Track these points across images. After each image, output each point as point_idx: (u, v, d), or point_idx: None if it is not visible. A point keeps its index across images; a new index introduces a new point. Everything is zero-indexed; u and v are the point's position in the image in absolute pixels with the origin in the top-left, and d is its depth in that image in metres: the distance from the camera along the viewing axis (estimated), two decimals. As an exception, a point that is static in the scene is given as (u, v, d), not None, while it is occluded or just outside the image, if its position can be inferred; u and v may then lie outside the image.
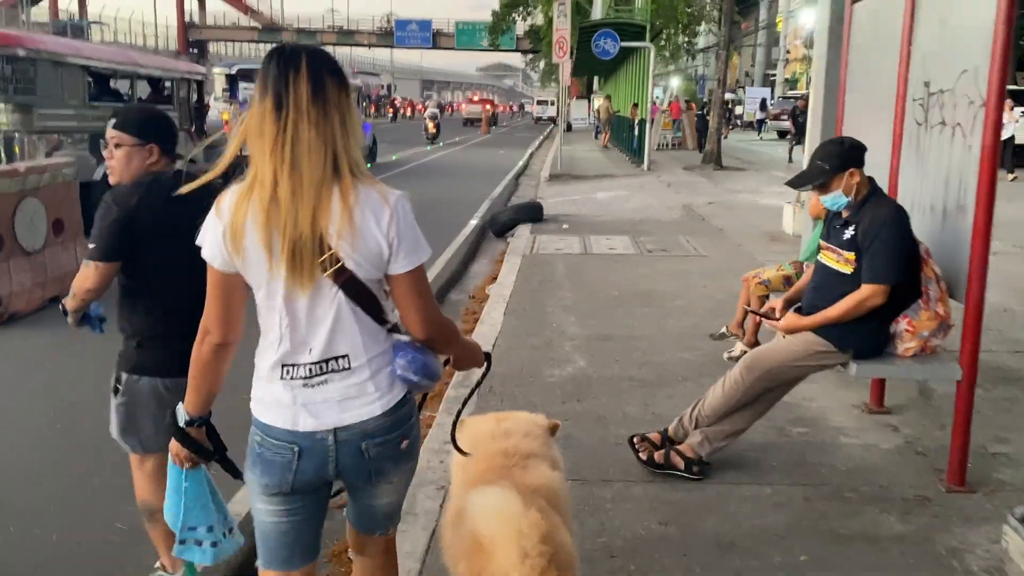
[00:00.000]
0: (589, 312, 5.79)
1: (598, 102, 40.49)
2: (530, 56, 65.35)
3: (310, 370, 1.63)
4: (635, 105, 20.31)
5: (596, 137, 33.49)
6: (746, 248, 8.30)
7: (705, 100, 43.84)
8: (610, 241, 8.81)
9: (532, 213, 10.45)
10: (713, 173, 17.31)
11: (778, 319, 3.13)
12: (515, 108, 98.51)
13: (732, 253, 8.03)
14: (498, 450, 2.03)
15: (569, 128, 41.87)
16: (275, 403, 1.65)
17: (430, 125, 29.85)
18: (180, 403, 1.78)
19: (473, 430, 2.16)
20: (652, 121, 19.76)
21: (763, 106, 39.72)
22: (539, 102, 60.17)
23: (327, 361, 1.63)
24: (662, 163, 19.89)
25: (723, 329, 4.83)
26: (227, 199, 1.58)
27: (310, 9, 71.18)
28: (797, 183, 3.13)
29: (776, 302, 3.25)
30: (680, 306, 5.95)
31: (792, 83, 44.21)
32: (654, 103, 22.08)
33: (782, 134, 33.85)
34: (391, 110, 54.14)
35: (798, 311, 3.18)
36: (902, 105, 3.60)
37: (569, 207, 12.30)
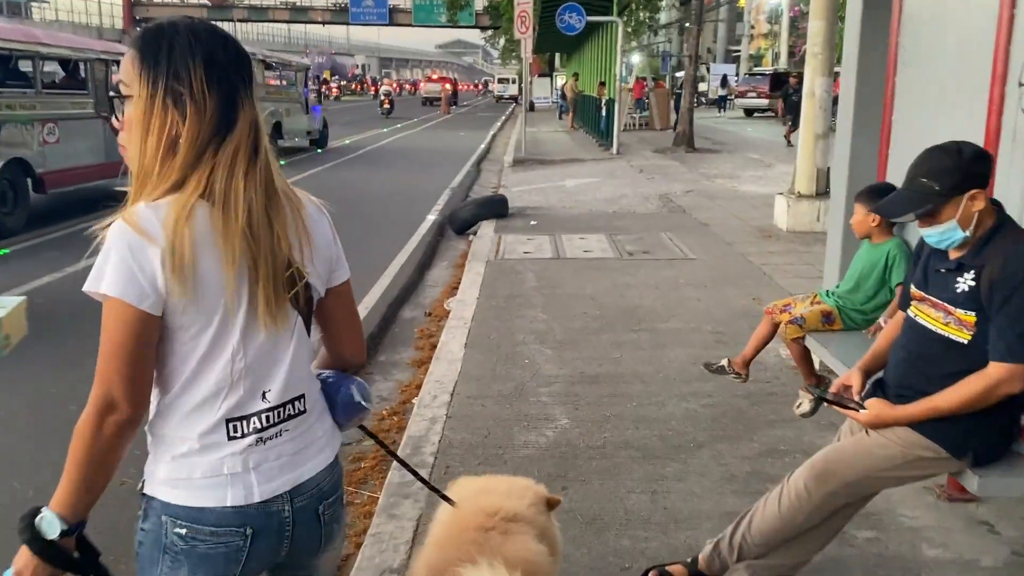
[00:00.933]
0: (567, 340, 4.80)
1: (561, 80, 39.44)
2: (490, 33, 63.82)
3: (266, 419, 1.34)
4: (602, 84, 19.28)
5: (560, 118, 32.44)
6: (737, 247, 7.37)
7: (672, 77, 43.05)
8: (585, 241, 7.82)
9: (496, 208, 9.42)
10: (686, 156, 16.41)
11: (857, 406, 2.16)
12: (480, 86, 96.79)
13: (723, 255, 7.09)
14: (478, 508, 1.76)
15: (532, 108, 40.77)
16: (213, 476, 1.30)
17: (385, 101, 35.55)
18: (42, 508, 1.27)
19: (461, 487, 1.91)
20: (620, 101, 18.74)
21: (724, 83, 39.01)
22: (500, 80, 58.87)
23: (285, 405, 1.35)
24: (631, 145, 18.93)
25: (723, 362, 3.82)
26: (151, 214, 1.21)
27: (259, -17, 68.66)
28: (893, 210, 2.14)
29: (850, 377, 2.27)
30: (674, 329, 4.99)
31: (757, 59, 43.54)
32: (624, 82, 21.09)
33: (748, 112, 33.22)
34: (374, 89, 51.41)
35: (878, 386, 2.23)
36: (1001, 89, 2.64)
37: (536, 197, 11.28)
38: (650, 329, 4.99)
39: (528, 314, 5.37)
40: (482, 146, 21.39)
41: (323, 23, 67.93)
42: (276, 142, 15.96)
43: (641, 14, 41.62)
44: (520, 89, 38.42)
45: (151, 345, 1.24)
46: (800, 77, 17.87)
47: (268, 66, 16.08)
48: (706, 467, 3.17)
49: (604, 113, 18.97)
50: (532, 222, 8.98)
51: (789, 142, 17.34)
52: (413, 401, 4.17)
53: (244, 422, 1.31)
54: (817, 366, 3.62)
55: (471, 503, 1.78)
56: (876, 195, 3.23)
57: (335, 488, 1.44)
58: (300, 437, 1.38)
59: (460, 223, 9.23)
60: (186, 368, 1.28)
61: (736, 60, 51.82)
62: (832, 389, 2.27)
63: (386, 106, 34.75)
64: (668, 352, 4.55)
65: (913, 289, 2.20)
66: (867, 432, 2.14)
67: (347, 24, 67.36)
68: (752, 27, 43.66)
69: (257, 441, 1.32)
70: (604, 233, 8.20)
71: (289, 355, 1.35)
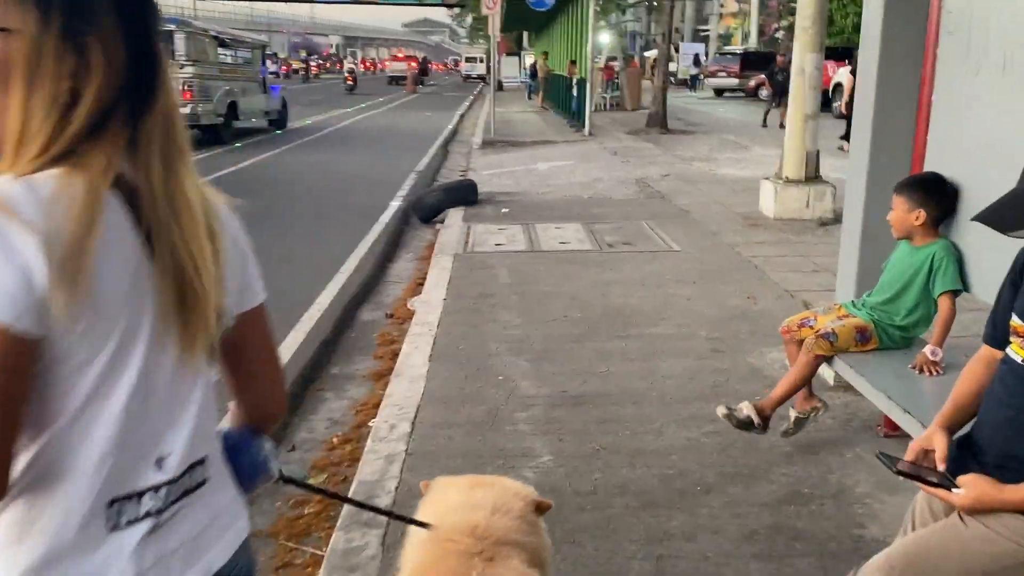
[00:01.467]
0: (547, 350, 4.24)
1: (530, 59, 38.72)
2: (457, 11, 62.70)
3: (165, 495, 0.94)
4: (573, 62, 18.66)
5: (530, 98, 31.78)
6: (724, 238, 6.85)
7: (641, 57, 42.56)
8: (561, 230, 7.25)
9: (464, 194, 8.81)
10: (660, 138, 15.88)
11: (947, 483, 1.61)
12: (451, 65, 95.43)
13: (709, 246, 6.57)
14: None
15: (500, 88, 40.00)
16: None
17: (348, 78, 38.32)
18: None
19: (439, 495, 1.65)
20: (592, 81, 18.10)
21: (696, 62, 38.58)
22: (468, 59, 57.83)
23: (186, 474, 0.96)
24: (603, 127, 18.36)
25: (745, 410, 3.02)
26: (24, 191, 0.82)
27: (220, -40, 66.68)
28: (1004, 222, 1.59)
29: (930, 438, 1.72)
30: (666, 335, 4.45)
31: (726, 39, 43.15)
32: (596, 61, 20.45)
33: (719, 92, 32.81)
34: (340, 66, 50.70)
35: (967, 449, 1.70)
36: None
37: (507, 181, 10.68)
38: (638, 335, 4.45)
39: (501, 318, 4.80)
40: (449, 127, 20.68)
41: (287, 0, 66.24)
42: (232, 123, 15.16)
43: (610, -8, 41.05)
44: (488, 68, 37.63)
45: (22, 386, 0.82)
46: (787, 55, 17.37)
47: (222, 43, 15.20)
48: (718, 519, 2.63)
49: (575, 93, 18.37)
50: (504, 209, 8.39)
51: (766, 123, 16.84)
52: (370, 424, 3.60)
53: (134, 502, 0.92)
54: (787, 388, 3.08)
55: (450, 522, 1.51)
56: (922, 188, 2.71)
57: (249, 563, 1.09)
58: (204, 511, 1.01)
59: (426, 211, 8.61)
60: (59, 419, 0.86)
61: (705, 40, 51.46)
62: (908, 456, 1.72)
63: (349, 82, 37.96)
64: (661, 364, 4.01)
65: (1015, 320, 1.66)
66: (962, 519, 1.60)
67: (312, 2, 65.72)
68: (722, 6, 43.17)
69: (153, 528, 0.93)
70: (581, 222, 7.64)
71: (195, 405, 0.98)
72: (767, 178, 7.77)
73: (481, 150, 15.25)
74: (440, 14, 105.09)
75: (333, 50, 70.73)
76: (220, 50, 15.23)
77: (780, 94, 16.13)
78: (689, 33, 61.57)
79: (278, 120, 17.97)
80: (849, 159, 3.51)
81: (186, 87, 13.37)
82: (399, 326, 5.26)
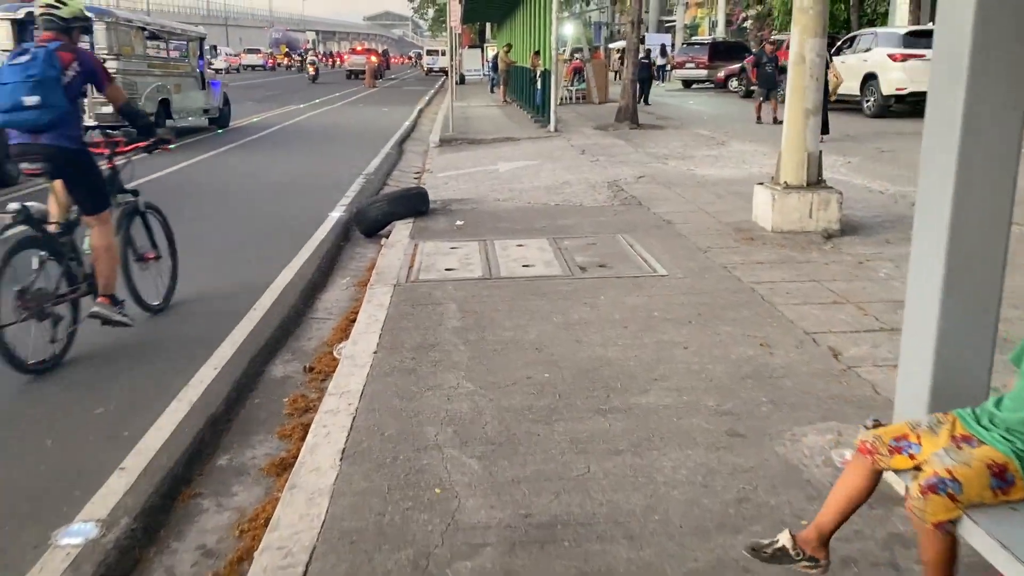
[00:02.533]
0: (503, 436, 3.13)
1: (492, 52, 37.54)
2: (418, 2, 61.18)
3: None
4: (536, 54, 17.53)
5: (492, 91, 30.59)
6: (717, 256, 5.79)
7: (606, 48, 41.66)
8: (524, 249, 6.14)
9: (414, 204, 7.66)
10: (630, 133, 14.83)
11: None
12: (412, 59, 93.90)
13: (701, 268, 5.50)
14: None
15: (462, 81, 38.74)
16: None
17: (310, 69, 41.63)
18: None
19: None
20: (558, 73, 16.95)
21: (663, 52, 37.65)
22: (429, 52, 56.38)
23: None
24: (569, 121, 17.27)
25: (782, 539, 2.10)
26: None
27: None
28: None
29: None
30: (661, 408, 3.36)
31: (693, 29, 42.30)
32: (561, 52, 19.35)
33: (687, 83, 31.89)
34: (312, 67, 49.65)
35: None
36: None
37: (464, 186, 9.54)
38: (625, 408, 3.36)
39: (446, 381, 3.67)
40: (407, 123, 19.45)
41: (239, -8, 63.97)
42: (164, 122, 13.79)
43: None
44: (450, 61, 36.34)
45: None
46: (776, 43, 16.23)
47: (152, 35, 13.79)
48: None
49: (539, 86, 17.25)
50: (458, 222, 7.26)
51: (760, 119, 15.78)
52: (255, 555, 2.47)
53: None
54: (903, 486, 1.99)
55: None
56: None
57: None
58: None
59: (369, 224, 7.45)
60: None
61: (670, 31, 50.64)
62: None
63: (312, 72, 41.27)
64: (660, 461, 2.92)
65: None
66: None
67: (265, -7, 63.55)
68: (687, -4, 42.23)
69: None
70: (547, 237, 6.54)
71: None
72: (761, 183, 6.73)
73: (439, 149, 14.08)
74: (401, 6, 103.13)
75: (310, 45, 71.53)
76: (150, 43, 13.84)
77: (770, 86, 15.13)
78: (654, 24, 60.77)
79: (219, 118, 16.60)
80: (922, 179, 2.40)
81: (107, 83, 12.00)
82: (319, 383, 4.13)
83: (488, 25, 47.01)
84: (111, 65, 12.07)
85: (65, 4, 4.23)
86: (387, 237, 7.04)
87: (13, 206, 4.05)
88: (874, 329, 4.25)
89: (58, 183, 4.32)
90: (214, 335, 4.65)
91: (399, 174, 11.81)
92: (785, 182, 6.37)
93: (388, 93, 33.97)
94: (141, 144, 4.93)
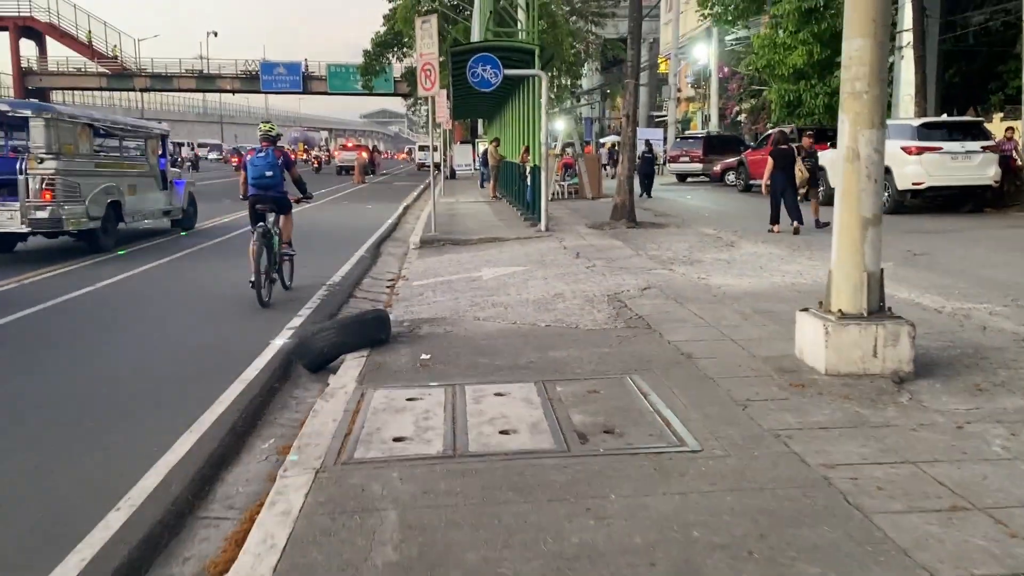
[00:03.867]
0: None
1: (483, 147, 37.08)
2: (411, 100, 61.65)
3: None
4: (526, 149, 16.50)
5: (482, 186, 29.75)
6: (763, 416, 4.29)
7: (597, 143, 41.39)
8: (504, 401, 4.65)
9: (370, 331, 6.21)
10: (628, 233, 13.59)
11: None
12: (408, 155, 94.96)
13: (745, 438, 3.99)
14: None
15: (453, 176, 38.15)
16: None
17: (314, 162, 49.45)
18: None
19: None
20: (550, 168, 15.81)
21: (649, 148, 37.11)
22: (421, 147, 56.39)
23: None
24: (561, 219, 16.10)
25: None
26: None
27: (167, 52, 65.28)
28: None
29: None
30: None
31: (685, 123, 42.11)
32: (554, 146, 18.38)
33: (681, 177, 31.13)
34: (316, 160, 52.15)
35: None
36: None
37: (441, 297, 8.14)
38: None
39: None
40: (390, 220, 18.32)
41: (232, 91, 64.70)
42: (115, 227, 12.50)
43: (563, 79, 39.91)
44: (442, 155, 35.77)
45: None
46: (814, 133, 14.42)
47: (99, 132, 12.65)
48: None
49: (529, 182, 16.14)
50: (424, 356, 5.79)
51: (820, 222, 13.00)
52: None
53: None
54: None
55: None
56: None
57: None
58: None
59: (314, 357, 5.99)
60: None
61: (660, 125, 50.71)
62: None
63: (315, 165, 48.93)
64: None
65: None
66: None
67: (259, 92, 64.20)
68: (679, 90, 42.18)
69: None
70: (535, 379, 5.06)
71: None
72: (806, 309, 5.29)
73: (419, 251, 12.80)
74: (398, 104, 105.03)
75: (323, 143, 78.69)
76: (98, 140, 12.68)
77: (812, 183, 13.18)
78: (644, 119, 61.13)
79: (183, 220, 15.36)
80: None
81: (45, 186, 10.74)
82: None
83: (480, 121, 46.94)
84: (50, 165, 10.85)
85: (272, 128, 8.60)
86: (335, 373, 5.59)
87: (261, 226, 8.31)
88: (1039, 567, 2.73)
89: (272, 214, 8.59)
90: (51, 560, 3.11)
91: (371, 282, 10.44)
92: (840, 310, 4.95)
93: (376, 189, 33.18)
94: (301, 198, 9.32)
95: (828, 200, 16.80)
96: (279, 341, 6.80)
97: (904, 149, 14.66)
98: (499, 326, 6.81)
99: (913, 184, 14.61)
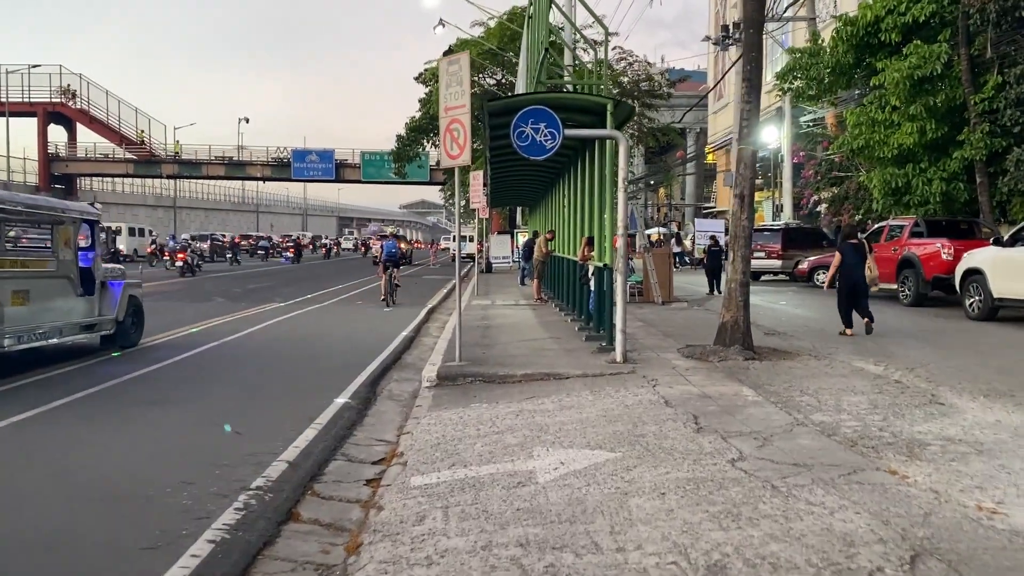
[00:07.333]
0: None
1: (523, 237, 33.14)
2: (445, 186, 58.73)
3: None
4: (589, 241, 12.15)
5: (523, 283, 25.54)
6: None
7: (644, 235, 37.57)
8: None
9: None
10: (748, 369, 9.03)
11: None
12: (435, 244, 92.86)
13: None
14: None
15: (489, 269, 34.16)
16: None
17: (362, 249, 50.88)
18: None
19: None
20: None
21: (715, 241, 33.01)
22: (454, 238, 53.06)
23: None
24: (635, 336, 11.64)
25: None
26: None
27: (196, 139, 63.94)
28: None
29: None
30: None
31: (747, 214, 37.81)
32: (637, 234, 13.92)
33: (756, 275, 26.69)
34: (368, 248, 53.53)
35: None
36: None
37: (453, 543, 3.60)
38: None
39: None
40: (404, 333, 14.00)
41: (263, 179, 62.56)
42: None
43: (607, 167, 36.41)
44: (481, 245, 31.89)
45: None
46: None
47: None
48: None
49: (592, 286, 11.77)
50: None
51: None
52: None
53: None
54: None
55: None
56: None
57: None
58: None
59: None
60: None
61: (707, 215, 46.72)
62: None
63: (362, 249, 51.66)
64: None
65: None
66: None
67: (290, 180, 61.94)
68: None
69: None
70: None
71: None
72: None
73: (434, 393, 8.43)
74: (435, 194, 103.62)
75: (387, 232, 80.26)
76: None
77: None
78: (691, 210, 57.18)
79: (118, 334, 11.19)
80: None
81: None
82: None
83: (519, 209, 43.32)
84: None
85: (396, 230, 34.20)
86: None
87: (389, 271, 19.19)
88: None
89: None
90: None
91: (339, 467, 6.03)
92: None
93: (402, 283, 29.18)
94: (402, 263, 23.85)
95: (917, 301, 15.09)
96: None
97: None
98: None
99: None
